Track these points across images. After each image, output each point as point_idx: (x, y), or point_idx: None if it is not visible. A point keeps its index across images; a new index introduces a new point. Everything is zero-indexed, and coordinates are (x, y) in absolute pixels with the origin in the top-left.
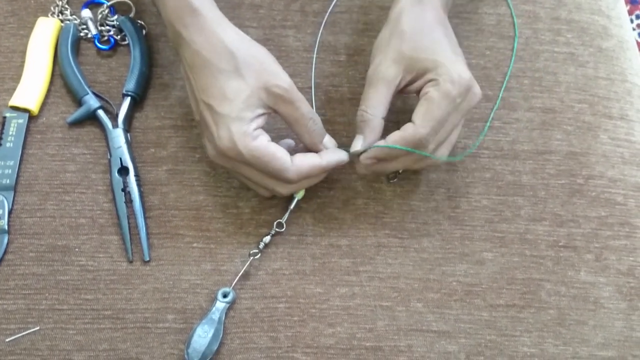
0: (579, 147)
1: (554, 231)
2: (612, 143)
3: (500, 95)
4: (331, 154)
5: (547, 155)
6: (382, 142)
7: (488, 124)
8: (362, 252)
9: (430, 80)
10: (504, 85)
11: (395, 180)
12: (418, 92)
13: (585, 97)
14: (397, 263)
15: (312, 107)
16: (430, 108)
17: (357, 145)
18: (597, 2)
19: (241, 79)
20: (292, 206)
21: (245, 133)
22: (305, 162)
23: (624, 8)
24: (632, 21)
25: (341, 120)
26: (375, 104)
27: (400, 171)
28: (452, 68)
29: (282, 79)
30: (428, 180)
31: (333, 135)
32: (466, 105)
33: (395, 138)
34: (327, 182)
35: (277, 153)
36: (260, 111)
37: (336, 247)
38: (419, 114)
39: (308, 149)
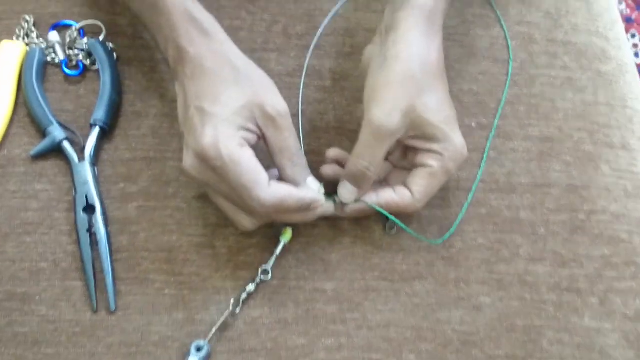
0: (580, 180)
1: (555, 272)
2: (615, 175)
3: (495, 123)
4: (308, 190)
5: (546, 188)
6: (374, 197)
7: (484, 157)
8: (350, 297)
9: (433, 152)
10: (499, 113)
11: (394, 231)
12: (409, 148)
13: (584, 125)
14: (388, 309)
15: (300, 136)
16: (431, 184)
17: (349, 196)
18: (595, 23)
19: (239, 89)
20: (278, 250)
21: (231, 136)
22: (282, 187)
23: (622, 29)
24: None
25: (326, 150)
26: (380, 161)
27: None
28: (457, 143)
29: (279, 102)
30: (419, 217)
31: (318, 168)
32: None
33: (390, 203)
34: None
35: (256, 167)
36: (250, 126)
37: (321, 292)
38: (419, 188)
39: None
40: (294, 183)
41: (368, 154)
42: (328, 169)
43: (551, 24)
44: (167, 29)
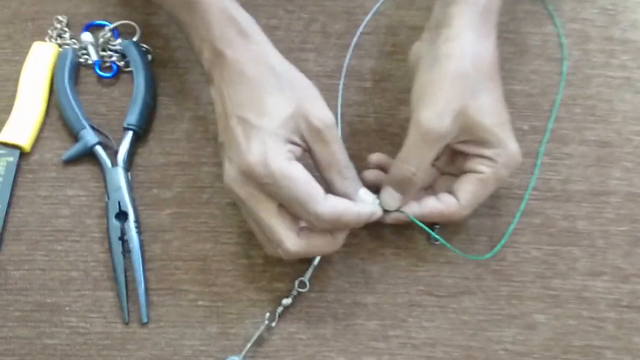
0: None
1: (615, 288)
2: None
3: (550, 126)
4: (365, 205)
5: (605, 196)
6: (416, 207)
7: (538, 163)
8: (392, 312)
9: (485, 157)
10: (553, 115)
11: (437, 242)
12: (458, 153)
13: None
14: (433, 326)
15: None
16: (480, 191)
17: (393, 203)
18: None
19: (283, 97)
20: (316, 261)
21: (280, 150)
22: (340, 202)
23: None
24: None
25: (367, 155)
26: (428, 166)
27: (438, 227)
28: (512, 149)
29: (325, 113)
30: (467, 227)
31: (359, 174)
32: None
33: (433, 212)
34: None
35: (311, 181)
36: (296, 139)
37: (362, 306)
38: (466, 194)
39: None
40: (346, 196)
41: (415, 159)
42: (370, 174)
43: (608, 20)
44: (203, 29)
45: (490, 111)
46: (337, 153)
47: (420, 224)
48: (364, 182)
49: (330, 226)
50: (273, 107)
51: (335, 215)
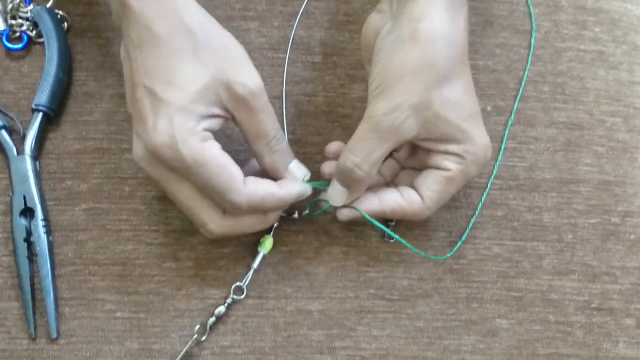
0: (614, 175)
1: (584, 288)
2: None
3: (515, 107)
4: (292, 185)
5: (574, 185)
6: (376, 202)
7: (502, 149)
8: (340, 320)
9: (453, 155)
10: (520, 94)
11: (392, 240)
12: (419, 147)
13: (619, 108)
14: (385, 335)
15: (283, 122)
16: (446, 190)
17: (338, 199)
18: None
19: (199, 64)
20: (256, 264)
21: (192, 131)
22: (261, 187)
23: None
24: None
25: (315, 140)
26: (376, 162)
27: (393, 223)
28: (482, 144)
29: (251, 78)
30: (423, 222)
31: (305, 161)
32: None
33: (395, 209)
34: (295, 223)
35: (227, 165)
36: (216, 111)
37: (306, 314)
38: (431, 193)
39: (266, 175)
40: (275, 172)
41: (361, 150)
42: (328, 167)
43: None
44: None
45: (457, 103)
46: (264, 123)
47: (375, 222)
48: (323, 176)
49: (252, 213)
50: (185, 77)
51: (255, 203)
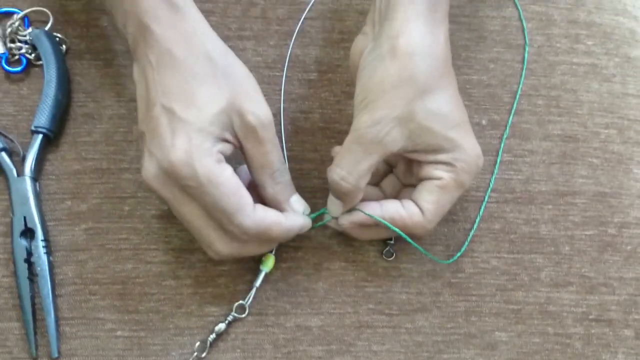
0: (609, 186)
1: (582, 300)
2: None
3: (510, 120)
4: (296, 217)
5: (570, 197)
6: (377, 209)
7: (498, 162)
8: (339, 335)
9: (443, 163)
10: (514, 108)
11: (392, 257)
12: (414, 161)
13: (612, 120)
14: (385, 350)
15: (282, 139)
16: (442, 199)
17: (335, 210)
18: (621, 0)
19: (217, 89)
20: (258, 282)
21: (208, 151)
22: (269, 215)
23: None
24: None
25: (312, 156)
26: (362, 174)
27: (392, 241)
28: (471, 152)
29: (262, 109)
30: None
31: (302, 177)
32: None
33: (395, 219)
34: (294, 239)
35: (239, 189)
36: (228, 136)
37: (305, 330)
38: (428, 204)
39: (267, 206)
40: (276, 202)
41: (347, 163)
42: None
43: (572, 2)
44: (127, 1)
45: (441, 114)
46: (270, 154)
47: (377, 217)
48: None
49: (256, 239)
50: (204, 99)
51: (261, 229)
